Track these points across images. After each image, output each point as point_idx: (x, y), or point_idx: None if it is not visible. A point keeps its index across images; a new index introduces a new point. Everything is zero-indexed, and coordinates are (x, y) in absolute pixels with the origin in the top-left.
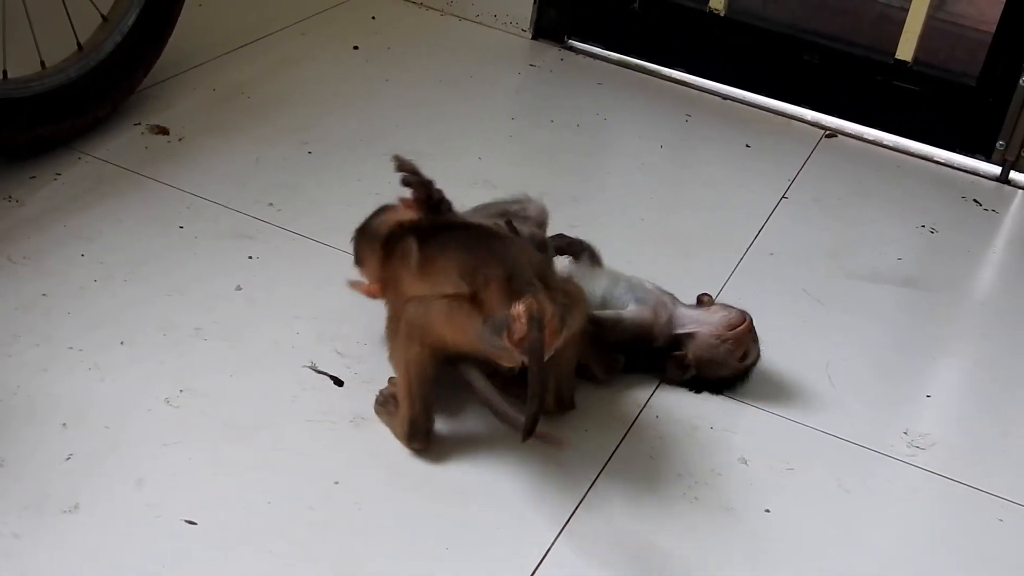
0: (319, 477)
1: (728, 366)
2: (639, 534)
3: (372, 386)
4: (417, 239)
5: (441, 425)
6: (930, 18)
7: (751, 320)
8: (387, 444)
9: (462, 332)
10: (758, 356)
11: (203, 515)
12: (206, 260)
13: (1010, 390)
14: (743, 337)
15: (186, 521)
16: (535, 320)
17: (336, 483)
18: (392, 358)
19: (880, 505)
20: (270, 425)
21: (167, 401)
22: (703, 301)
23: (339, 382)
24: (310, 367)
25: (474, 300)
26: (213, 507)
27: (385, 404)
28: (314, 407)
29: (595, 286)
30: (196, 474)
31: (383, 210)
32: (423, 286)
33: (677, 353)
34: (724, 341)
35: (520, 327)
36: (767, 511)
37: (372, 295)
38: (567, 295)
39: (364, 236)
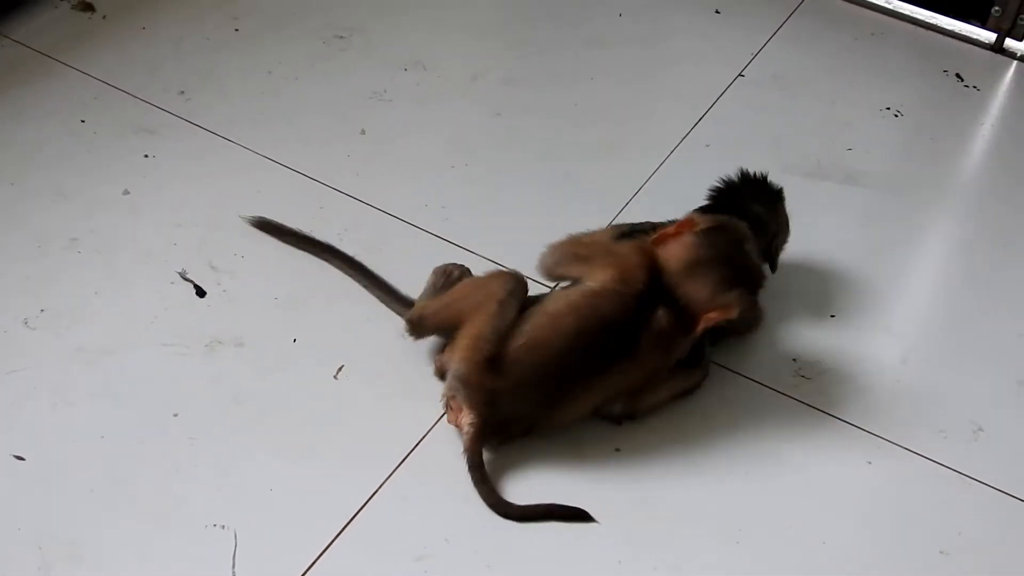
0: (159, 408)
1: None
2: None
3: (236, 305)
4: None
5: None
6: None
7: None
8: (236, 371)
9: None
10: None
11: (34, 450)
12: (99, 159)
13: (932, 309)
14: None
15: (15, 456)
16: None
17: (175, 415)
18: None
19: (741, 443)
20: (122, 349)
21: (25, 322)
22: None
23: (201, 292)
24: (180, 273)
25: None
26: (46, 441)
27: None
28: (171, 329)
29: None
30: (36, 405)
31: None
32: None
33: None
34: None
35: None
36: (616, 450)
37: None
38: None
39: None
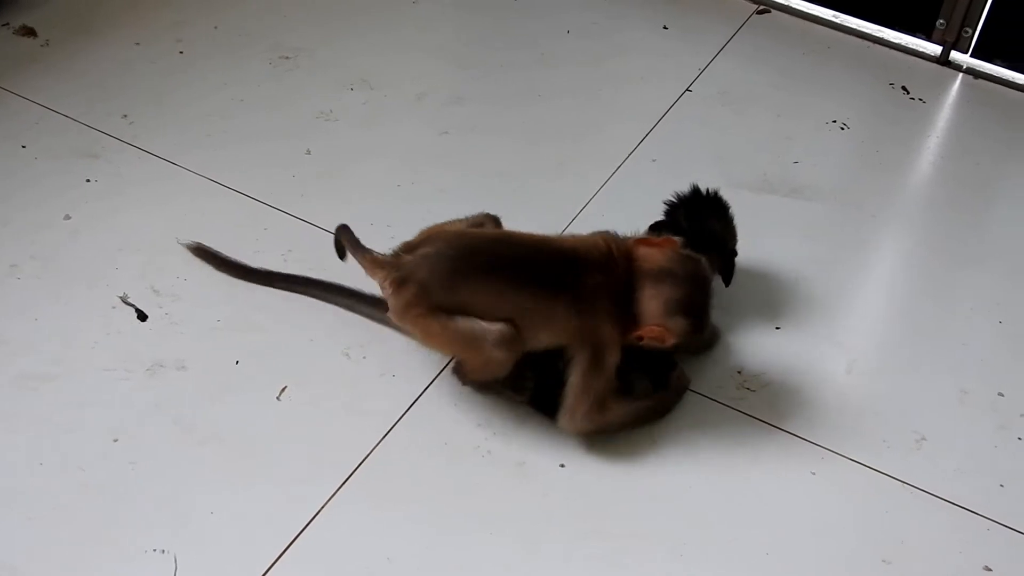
0: (101, 433)
1: None
2: (422, 490)
3: (178, 329)
4: None
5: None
6: None
7: None
8: (178, 395)
9: None
10: None
11: None
12: (41, 185)
13: (876, 320)
14: None
15: None
16: None
17: (115, 440)
18: None
19: (685, 455)
20: (63, 375)
21: None
22: None
23: (143, 316)
24: (121, 297)
25: None
26: None
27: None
28: (113, 354)
29: None
30: None
31: None
32: None
33: None
34: None
35: None
36: (561, 466)
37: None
38: None
39: None
